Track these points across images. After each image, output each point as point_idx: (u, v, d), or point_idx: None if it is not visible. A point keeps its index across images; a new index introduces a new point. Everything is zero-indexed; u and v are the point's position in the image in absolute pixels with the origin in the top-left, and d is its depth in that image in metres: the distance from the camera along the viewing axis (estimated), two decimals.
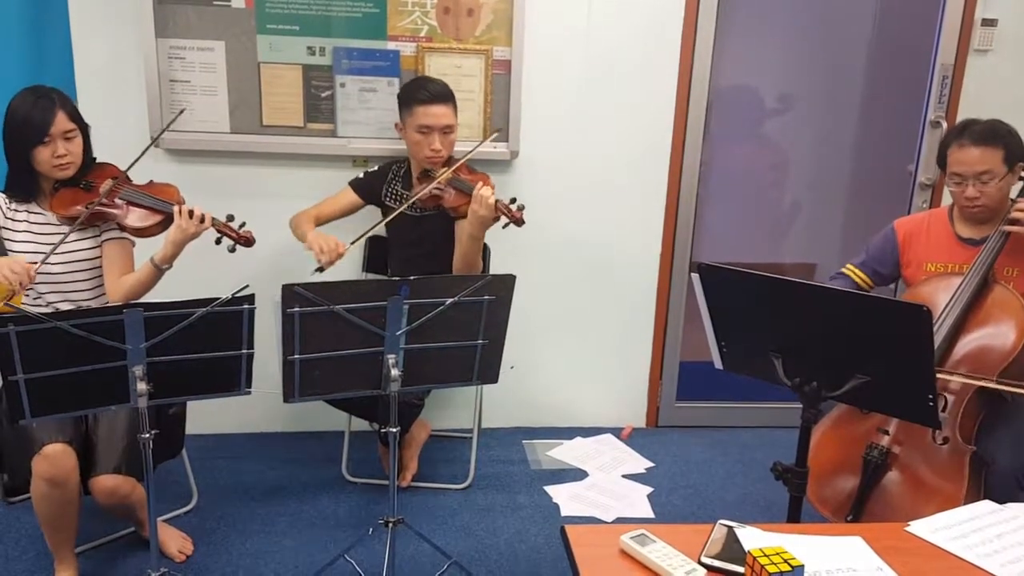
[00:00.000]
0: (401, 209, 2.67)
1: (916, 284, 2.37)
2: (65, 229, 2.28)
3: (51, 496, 2.12)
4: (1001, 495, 1.83)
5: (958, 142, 2.26)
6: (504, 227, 2.45)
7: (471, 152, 2.70)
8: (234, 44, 2.88)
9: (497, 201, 2.43)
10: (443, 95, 2.68)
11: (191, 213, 2.27)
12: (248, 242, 2.36)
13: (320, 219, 2.80)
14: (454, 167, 2.66)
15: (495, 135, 2.82)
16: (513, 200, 2.44)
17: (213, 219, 2.31)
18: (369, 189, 2.85)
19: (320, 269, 2.51)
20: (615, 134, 3.14)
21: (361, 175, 2.87)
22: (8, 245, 2.29)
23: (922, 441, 2.13)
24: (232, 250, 2.35)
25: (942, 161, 2.33)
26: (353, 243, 2.58)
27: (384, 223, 2.66)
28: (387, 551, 2.28)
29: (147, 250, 2.39)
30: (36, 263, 2.18)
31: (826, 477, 2.25)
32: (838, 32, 3.41)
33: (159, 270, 2.31)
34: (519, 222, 2.44)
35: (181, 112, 2.72)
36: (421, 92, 2.67)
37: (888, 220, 2.53)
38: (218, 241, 2.34)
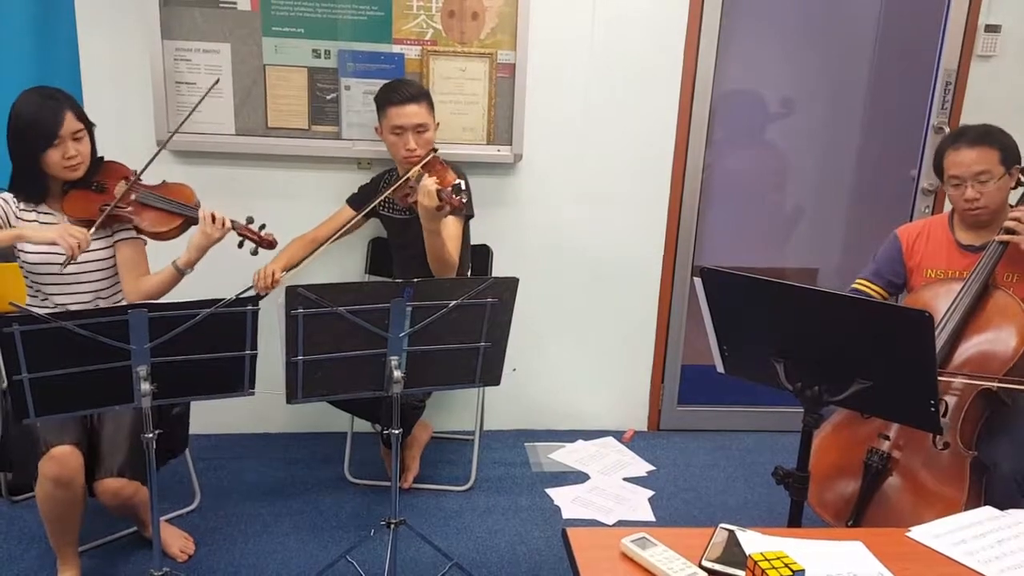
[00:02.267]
0: (371, 207, 2.72)
1: (916, 289, 2.37)
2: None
3: (56, 497, 2.12)
4: (1002, 500, 1.84)
5: (954, 146, 2.29)
6: (446, 213, 2.41)
7: (427, 158, 2.65)
8: (240, 46, 2.89)
9: (439, 190, 2.40)
10: (414, 95, 2.68)
11: (213, 218, 2.29)
12: (271, 245, 2.40)
13: (319, 240, 2.81)
14: (421, 163, 2.65)
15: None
16: (457, 188, 2.41)
17: (233, 222, 2.33)
18: (363, 202, 2.84)
19: (257, 296, 2.50)
20: (618, 138, 3.15)
21: (356, 191, 2.89)
22: (20, 245, 2.27)
23: (923, 446, 2.13)
24: (255, 252, 2.39)
25: (939, 169, 2.35)
26: (287, 271, 2.69)
27: (344, 233, 2.72)
28: (388, 552, 2.29)
29: (160, 249, 2.41)
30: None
31: (827, 482, 2.26)
32: (841, 37, 3.42)
33: (181, 273, 2.34)
34: (458, 210, 2.44)
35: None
36: (392, 94, 2.69)
37: (890, 225, 2.54)
38: (240, 244, 2.37)
